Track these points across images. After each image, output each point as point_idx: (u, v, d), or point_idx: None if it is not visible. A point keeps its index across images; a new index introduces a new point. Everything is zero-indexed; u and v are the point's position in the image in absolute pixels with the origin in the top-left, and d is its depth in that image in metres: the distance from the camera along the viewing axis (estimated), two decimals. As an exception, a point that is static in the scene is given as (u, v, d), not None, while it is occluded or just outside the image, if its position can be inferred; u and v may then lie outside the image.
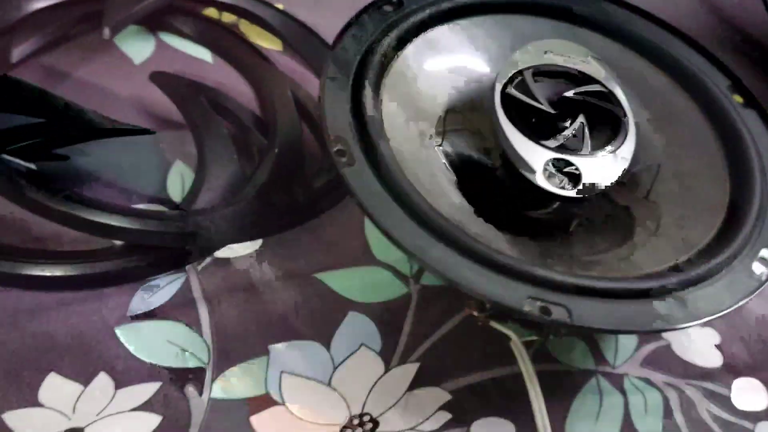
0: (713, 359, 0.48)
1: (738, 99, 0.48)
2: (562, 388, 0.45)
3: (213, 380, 0.43)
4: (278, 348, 0.45)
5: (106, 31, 0.55)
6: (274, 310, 0.46)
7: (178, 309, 0.45)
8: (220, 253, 0.48)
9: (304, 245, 0.50)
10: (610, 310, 0.36)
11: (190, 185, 0.51)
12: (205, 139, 0.51)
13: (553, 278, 0.37)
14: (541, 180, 0.40)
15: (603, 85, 0.45)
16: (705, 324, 0.49)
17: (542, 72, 0.45)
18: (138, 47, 0.61)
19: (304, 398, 0.43)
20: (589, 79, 0.45)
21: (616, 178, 0.41)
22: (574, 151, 0.42)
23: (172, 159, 0.54)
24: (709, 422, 0.45)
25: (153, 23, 0.63)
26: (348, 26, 0.46)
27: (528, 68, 0.45)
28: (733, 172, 0.44)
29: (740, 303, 0.38)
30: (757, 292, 0.38)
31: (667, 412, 0.45)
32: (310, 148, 0.55)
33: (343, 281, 0.48)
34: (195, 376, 0.43)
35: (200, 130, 0.52)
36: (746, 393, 0.46)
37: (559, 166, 0.41)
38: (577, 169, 0.41)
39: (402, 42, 0.46)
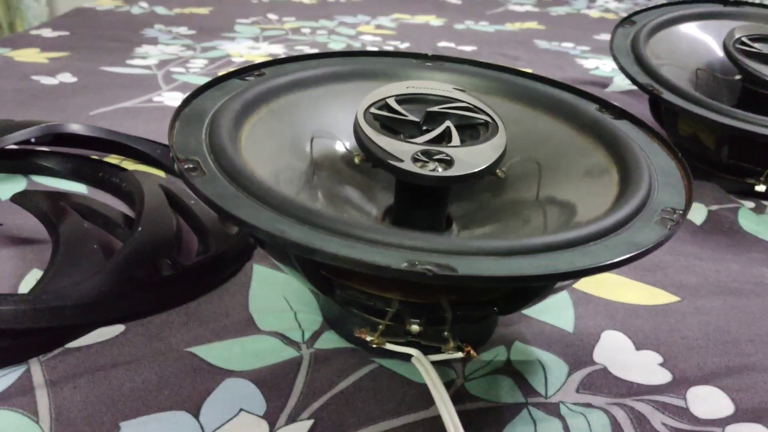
0: (660, 376, 0.41)
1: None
2: (488, 424, 0.37)
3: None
4: (132, 423, 0.36)
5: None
6: (129, 389, 0.38)
7: (11, 399, 0.37)
8: (73, 344, 0.41)
9: (175, 325, 0.43)
10: (503, 263, 0.31)
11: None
12: (62, 233, 0.46)
13: (431, 244, 0.32)
14: (408, 165, 0.37)
15: (468, 102, 0.44)
16: (640, 345, 0.44)
17: (405, 99, 0.44)
18: (8, 187, 0.59)
19: (165, 472, 0.33)
20: (453, 100, 0.44)
21: (492, 161, 0.38)
22: (444, 145, 0.39)
23: (27, 269, 0.48)
24: (668, 435, 0.37)
25: (23, 167, 0.61)
26: (208, 86, 0.45)
27: (390, 96, 0.44)
28: (618, 162, 0.42)
29: (653, 244, 0.33)
30: (670, 237, 0.34)
31: (617, 430, 0.37)
32: (185, 235, 0.51)
33: (219, 352, 0.41)
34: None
35: (57, 227, 0.47)
36: (705, 401, 0.39)
37: (430, 154, 0.38)
38: (447, 155, 0.38)
39: (262, 99, 0.45)
